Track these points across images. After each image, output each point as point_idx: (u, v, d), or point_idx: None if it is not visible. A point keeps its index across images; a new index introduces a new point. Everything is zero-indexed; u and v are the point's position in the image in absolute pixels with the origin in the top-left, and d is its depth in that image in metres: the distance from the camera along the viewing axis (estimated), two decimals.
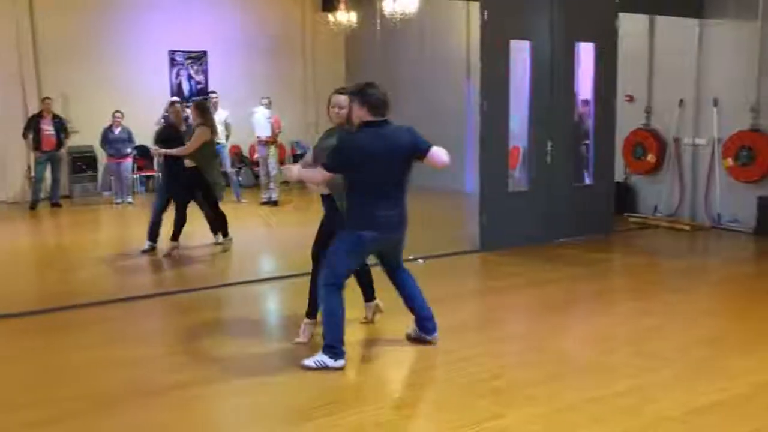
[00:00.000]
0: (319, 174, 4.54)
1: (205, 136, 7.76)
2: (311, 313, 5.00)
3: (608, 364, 4.56)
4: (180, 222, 7.91)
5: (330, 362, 4.46)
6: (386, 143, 4.46)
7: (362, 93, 4.49)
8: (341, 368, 4.45)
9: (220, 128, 9.80)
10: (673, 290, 6.43)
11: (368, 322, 5.31)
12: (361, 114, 4.50)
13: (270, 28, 14.21)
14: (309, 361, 4.49)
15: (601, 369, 4.47)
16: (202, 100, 9.23)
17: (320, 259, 4.77)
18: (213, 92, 12.27)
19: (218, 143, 9.36)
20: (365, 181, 4.48)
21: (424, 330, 4.89)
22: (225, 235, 8.27)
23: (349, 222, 4.55)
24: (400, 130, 4.58)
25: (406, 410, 4.01)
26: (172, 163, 8.00)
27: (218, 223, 8.29)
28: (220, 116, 11.01)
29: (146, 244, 8.06)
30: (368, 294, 5.31)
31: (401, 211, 4.62)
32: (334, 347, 4.48)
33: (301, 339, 4.94)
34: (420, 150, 4.54)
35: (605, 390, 4.14)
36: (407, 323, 5.01)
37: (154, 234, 8.10)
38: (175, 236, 7.91)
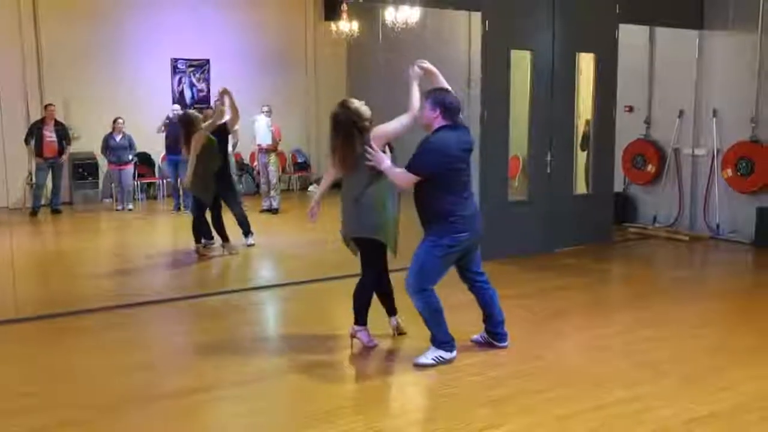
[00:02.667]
0: None
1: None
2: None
3: (607, 374, 4.57)
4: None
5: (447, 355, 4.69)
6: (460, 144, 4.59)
7: (437, 96, 4.68)
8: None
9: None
10: (671, 300, 6.44)
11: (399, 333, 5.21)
12: (433, 116, 4.65)
13: (272, 37, 14.25)
14: (425, 359, 4.64)
15: (600, 378, 4.49)
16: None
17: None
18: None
19: None
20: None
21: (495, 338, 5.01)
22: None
23: (442, 226, 4.54)
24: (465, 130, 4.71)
25: (405, 418, 4.02)
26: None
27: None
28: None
29: (249, 239, 8.68)
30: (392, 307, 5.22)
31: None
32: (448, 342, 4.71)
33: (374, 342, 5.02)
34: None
35: (604, 399, 4.15)
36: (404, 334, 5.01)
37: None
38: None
